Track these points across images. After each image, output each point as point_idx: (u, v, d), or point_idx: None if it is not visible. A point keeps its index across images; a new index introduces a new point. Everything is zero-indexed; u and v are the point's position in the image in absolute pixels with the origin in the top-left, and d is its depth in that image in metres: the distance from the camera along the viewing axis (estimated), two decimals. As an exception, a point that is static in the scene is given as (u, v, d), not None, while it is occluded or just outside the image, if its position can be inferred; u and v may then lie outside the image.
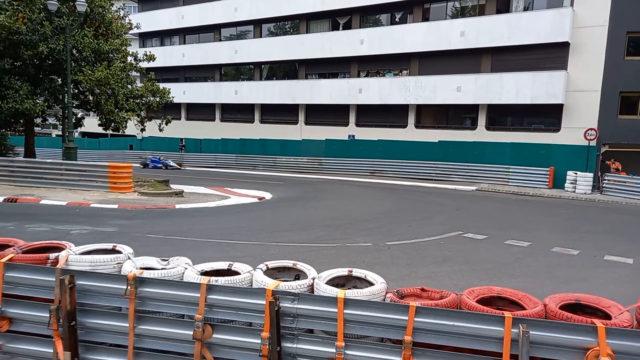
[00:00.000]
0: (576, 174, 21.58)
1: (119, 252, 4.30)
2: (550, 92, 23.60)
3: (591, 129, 22.00)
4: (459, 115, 28.14)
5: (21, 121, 20.22)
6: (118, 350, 3.84)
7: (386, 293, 3.72)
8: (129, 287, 3.64)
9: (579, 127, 22.88)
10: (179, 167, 31.36)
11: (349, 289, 3.80)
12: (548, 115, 24.88)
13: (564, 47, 23.52)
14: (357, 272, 4.07)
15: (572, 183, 21.65)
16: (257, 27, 35.57)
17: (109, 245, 4.49)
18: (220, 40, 37.69)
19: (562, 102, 23.60)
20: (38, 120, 23.41)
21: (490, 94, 25.45)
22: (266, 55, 34.24)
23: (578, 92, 23.43)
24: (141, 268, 3.97)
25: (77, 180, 16.30)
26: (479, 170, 24.67)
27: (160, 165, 30.86)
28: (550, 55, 23.91)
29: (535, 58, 24.28)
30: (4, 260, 3.91)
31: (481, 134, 26.34)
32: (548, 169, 22.79)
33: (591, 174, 21.44)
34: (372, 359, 3.37)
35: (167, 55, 38.70)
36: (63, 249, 4.29)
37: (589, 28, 22.96)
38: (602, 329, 2.94)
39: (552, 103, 23.81)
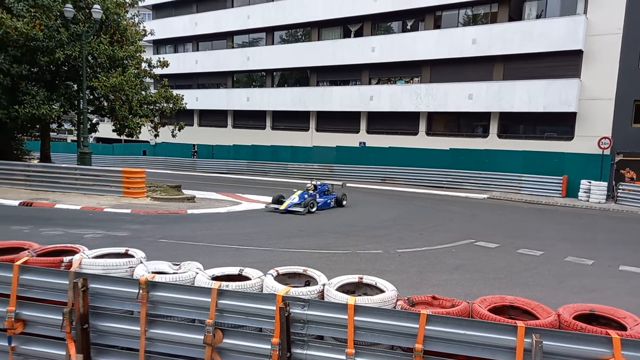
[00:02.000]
0: (590, 182, 21.32)
1: (132, 257, 4.35)
2: (563, 100, 23.40)
3: (605, 138, 21.73)
4: (471, 123, 28.00)
5: (37, 126, 20.55)
6: (130, 354, 3.86)
7: (397, 300, 3.71)
8: (141, 291, 3.67)
9: (592, 135, 22.62)
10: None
11: (359, 296, 3.79)
12: (561, 124, 24.65)
13: (577, 55, 23.33)
14: (368, 279, 4.06)
15: (585, 192, 21.38)
16: (269, 34, 35.85)
17: (122, 249, 4.54)
18: (232, 47, 38.03)
19: (575, 111, 23.37)
20: (54, 126, 23.77)
21: (502, 102, 25.30)
22: (278, 62, 34.45)
23: (591, 101, 23.20)
24: (153, 272, 4.00)
25: (92, 185, 16.49)
26: (490, 179, 24.48)
27: (330, 200, 16.92)
28: (563, 63, 23.72)
29: (548, 66, 24.10)
30: (19, 262, 3.97)
31: (493, 142, 26.17)
32: (561, 177, 22.54)
33: (605, 183, 21.16)
34: (382, 366, 3.35)
35: (181, 62, 39.13)
36: (77, 253, 4.35)
37: (602, 36, 22.76)
38: (617, 340, 2.90)
39: (565, 111, 23.59)
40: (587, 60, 23.27)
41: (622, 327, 3.22)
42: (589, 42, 23.06)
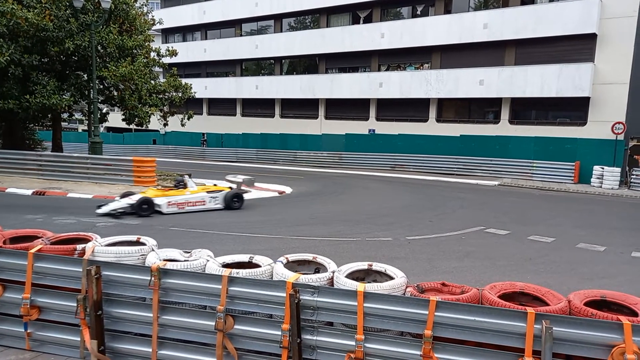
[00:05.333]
0: (603, 168, 21.05)
1: (143, 244, 4.40)
2: (576, 85, 23.02)
3: (619, 123, 21.38)
4: (482, 109, 27.69)
5: (49, 116, 20.74)
6: (143, 340, 3.93)
7: (406, 287, 3.72)
8: (153, 278, 3.72)
9: (606, 120, 22.26)
10: None
11: (368, 282, 3.81)
12: (574, 109, 24.28)
13: (591, 38, 22.88)
14: (377, 266, 4.07)
15: (598, 178, 21.12)
16: (277, 21, 35.62)
17: (134, 237, 4.59)
18: (241, 35, 37.87)
19: (588, 95, 22.99)
20: (65, 116, 23.96)
21: (514, 87, 24.96)
22: (287, 49, 34.26)
23: (605, 85, 22.80)
24: (164, 260, 4.05)
25: (103, 174, 16.65)
26: (501, 165, 24.26)
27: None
28: (577, 47, 23.29)
29: (561, 50, 23.68)
30: (33, 250, 4.03)
31: (504, 128, 25.88)
32: (573, 163, 22.26)
33: (618, 169, 20.87)
34: (391, 352, 3.38)
35: (189, 51, 39.12)
36: (89, 241, 4.41)
37: (617, 19, 22.27)
38: (628, 326, 2.89)
39: (579, 96, 23.21)
40: (601, 44, 22.82)
41: (634, 313, 3.20)
42: (603, 25, 22.59)
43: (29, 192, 14.33)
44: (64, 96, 18.27)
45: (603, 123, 22.37)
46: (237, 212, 12.59)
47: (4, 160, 17.51)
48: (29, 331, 4.10)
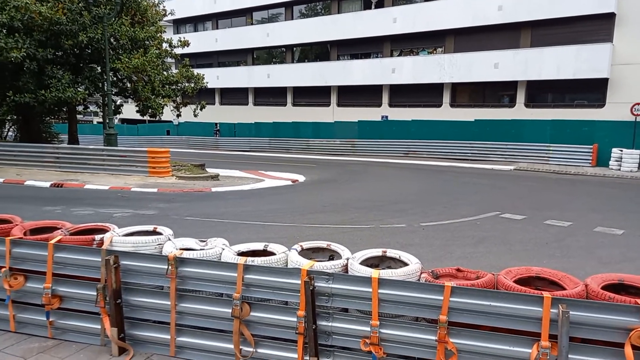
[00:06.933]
0: (622, 151, 20.64)
1: (160, 234, 4.46)
2: (594, 66, 22.52)
3: (638, 104, 20.89)
4: (497, 92, 27.29)
5: (64, 109, 20.99)
6: (161, 327, 4.01)
7: (421, 273, 3.72)
8: (170, 267, 3.78)
9: (625, 102, 21.75)
10: None
11: (383, 269, 3.81)
12: (591, 91, 23.79)
13: (609, 18, 22.30)
14: (392, 252, 4.07)
15: (617, 161, 20.73)
16: (288, 9, 35.39)
17: (150, 227, 4.66)
18: (252, 24, 37.74)
19: (607, 77, 22.49)
20: (80, 108, 24.23)
21: (529, 70, 24.52)
22: (298, 37, 34.06)
23: (624, 66, 22.25)
24: (181, 249, 4.10)
25: (118, 165, 16.87)
26: (517, 149, 23.93)
27: None
28: (594, 28, 22.73)
29: (577, 31, 23.14)
30: (53, 241, 4.12)
31: (520, 112, 25.49)
32: (591, 146, 21.86)
33: (638, 151, 20.43)
34: (407, 337, 3.39)
35: (201, 41, 39.08)
36: (107, 231, 4.49)
37: (637, -4, 21.68)
38: (646, 310, 2.86)
39: (596, 77, 22.72)
40: (620, 24, 22.23)
41: (653, 297, 3.16)
42: (621, 4, 21.98)
43: (47, 184, 14.59)
44: (78, 89, 18.46)
45: (622, 104, 21.88)
46: (251, 201, 12.68)
47: (22, 154, 17.85)
48: (50, 320, 4.20)
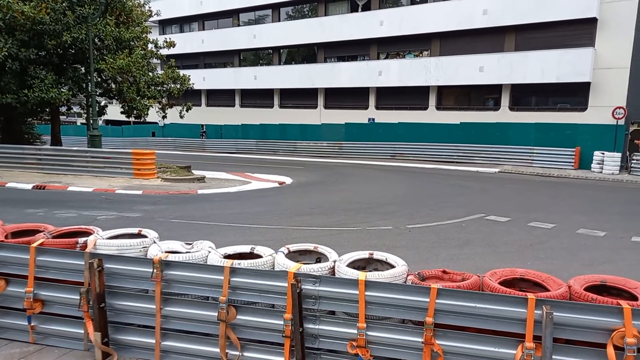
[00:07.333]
0: (603, 154, 21.02)
1: (145, 237, 4.41)
2: (576, 70, 22.91)
3: (619, 108, 21.32)
4: (482, 96, 27.60)
5: (47, 110, 20.67)
6: (146, 331, 3.96)
7: (407, 275, 3.74)
8: (155, 270, 3.74)
9: (606, 105, 22.19)
10: None
11: (370, 271, 3.82)
12: (574, 94, 24.20)
13: (591, 23, 22.72)
14: (378, 254, 4.08)
15: (599, 163, 21.11)
16: (275, 11, 35.36)
17: (135, 230, 4.60)
18: (238, 25, 37.62)
19: (589, 80, 22.90)
20: (63, 109, 23.89)
21: (514, 74, 24.85)
22: (285, 39, 34.05)
23: (606, 70, 22.68)
24: (166, 252, 4.06)
25: (102, 167, 16.65)
26: (502, 152, 24.24)
27: None
28: (577, 32, 23.14)
29: (561, 35, 23.53)
30: (35, 244, 4.05)
31: (505, 115, 25.81)
32: (574, 149, 22.24)
33: (619, 154, 20.84)
34: (393, 339, 3.40)
35: (187, 42, 38.86)
36: (91, 234, 4.42)
37: (617, 2, 22.10)
38: (628, 310, 2.90)
39: (579, 81, 23.13)
40: (602, 28, 22.67)
41: (634, 298, 3.22)
42: (603, 9, 22.42)
43: (29, 186, 14.34)
44: (62, 90, 18.20)
45: (603, 108, 22.31)
46: (237, 204, 12.62)
47: (3, 155, 17.50)
48: (32, 324, 4.13)
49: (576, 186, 17.37)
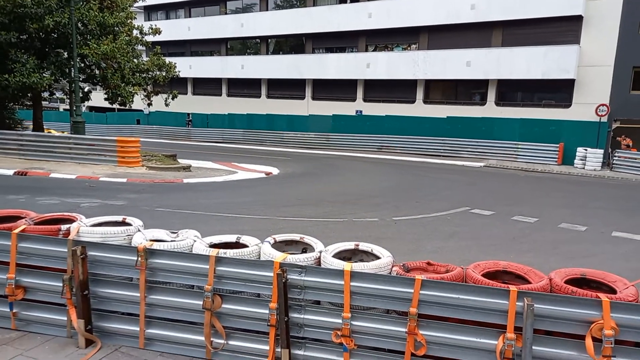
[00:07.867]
0: (586, 150, 21.37)
1: (129, 225, 4.37)
2: (562, 67, 23.18)
3: (603, 105, 21.65)
4: (469, 90, 27.77)
5: (29, 95, 20.22)
6: (130, 319, 3.94)
7: (392, 266, 3.77)
8: (139, 259, 3.71)
9: (590, 102, 22.51)
10: None
11: (355, 262, 3.85)
12: (559, 91, 24.50)
13: (577, 20, 22.96)
14: (364, 245, 4.11)
15: (581, 159, 21.46)
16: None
17: (119, 218, 4.56)
18: (226, 13, 37.16)
19: (573, 77, 23.19)
20: (45, 94, 23.40)
21: (500, 69, 25.04)
22: (273, 29, 33.75)
23: (590, 67, 22.99)
24: (151, 240, 4.03)
25: (86, 154, 16.41)
26: (487, 147, 24.49)
27: None
28: (563, 29, 23.38)
29: (547, 32, 23.75)
30: (17, 231, 3.98)
31: (490, 110, 26.03)
32: (558, 145, 22.57)
33: (601, 151, 21.21)
34: (377, 329, 3.44)
35: (173, 29, 38.17)
36: (74, 221, 4.37)
37: (603, 1, 22.36)
38: (606, 303, 2.97)
39: (564, 78, 23.41)
40: (587, 26, 22.94)
41: (612, 291, 3.29)
42: (589, 7, 22.67)
43: (10, 172, 14.07)
44: (44, 75, 17.80)
45: (587, 105, 22.63)
46: (224, 193, 12.56)
47: (-17, 140, 17.12)
48: (14, 311, 4.07)
49: (559, 181, 17.65)
